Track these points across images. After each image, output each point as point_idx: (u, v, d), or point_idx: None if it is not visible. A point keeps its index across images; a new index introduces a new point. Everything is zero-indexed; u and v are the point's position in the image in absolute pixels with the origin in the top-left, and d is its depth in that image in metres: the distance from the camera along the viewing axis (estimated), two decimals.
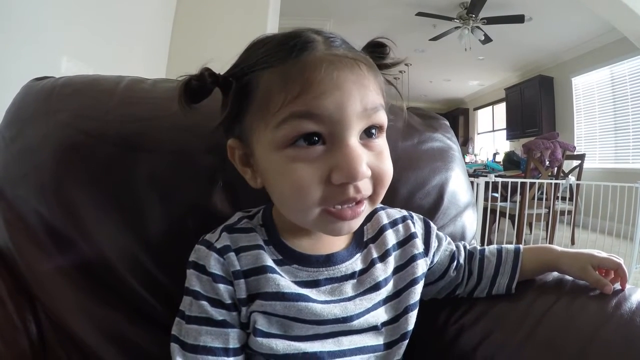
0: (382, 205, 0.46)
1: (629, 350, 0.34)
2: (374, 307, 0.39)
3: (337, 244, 0.41)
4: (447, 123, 0.67)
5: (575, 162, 3.23)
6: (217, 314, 0.36)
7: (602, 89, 4.10)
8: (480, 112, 7.06)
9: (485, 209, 2.13)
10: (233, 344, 0.36)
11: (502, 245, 0.49)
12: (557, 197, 2.64)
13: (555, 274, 0.47)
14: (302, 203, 0.33)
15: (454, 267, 0.47)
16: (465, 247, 0.50)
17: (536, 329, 0.40)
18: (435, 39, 4.11)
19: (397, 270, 0.42)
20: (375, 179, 0.34)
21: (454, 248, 0.48)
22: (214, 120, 0.38)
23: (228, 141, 0.39)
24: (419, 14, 3.57)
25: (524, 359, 0.39)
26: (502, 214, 2.74)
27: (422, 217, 0.48)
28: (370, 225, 0.44)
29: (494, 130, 6.58)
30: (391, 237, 0.43)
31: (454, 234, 0.58)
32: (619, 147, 3.93)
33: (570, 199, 2.92)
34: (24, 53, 0.88)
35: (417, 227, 0.46)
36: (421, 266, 0.43)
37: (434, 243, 0.46)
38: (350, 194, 0.33)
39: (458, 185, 0.61)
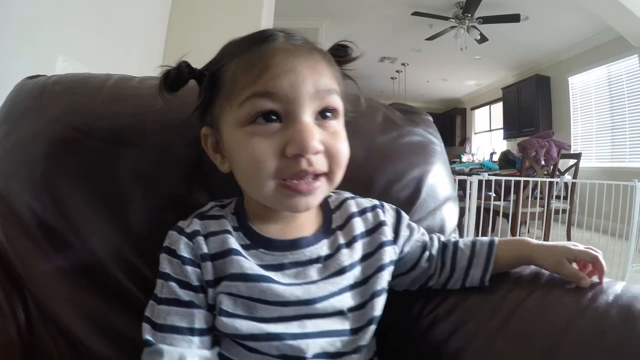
0: (352, 195, 0.48)
1: (600, 343, 0.33)
2: (340, 292, 0.40)
3: (304, 229, 0.42)
4: (430, 118, 0.67)
5: (572, 161, 3.23)
6: (185, 295, 0.37)
7: (599, 88, 4.10)
8: (477, 111, 7.04)
9: (478, 208, 2.14)
10: (199, 324, 0.37)
11: (477, 238, 0.48)
12: (552, 196, 2.64)
13: (533, 267, 0.46)
14: (259, 175, 0.36)
15: (425, 257, 0.47)
16: (439, 239, 0.50)
17: (508, 321, 0.40)
18: (431, 38, 4.12)
19: (365, 257, 0.43)
20: (330, 156, 0.37)
21: (427, 239, 0.49)
22: (194, 117, 0.41)
23: (202, 129, 0.43)
24: (415, 13, 3.57)
25: (495, 351, 0.39)
26: (497, 213, 2.75)
27: (394, 207, 0.49)
28: (339, 213, 0.45)
29: (491, 130, 6.57)
30: (359, 225, 0.44)
31: (432, 227, 0.57)
32: (615, 146, 3.93)
33: (566, 198, 2.93)
34: (22, 52, 0.89)
35: (388, 216, 0.46)
36: (389, 253, 0.43)
37: (404, 232, 0.46)
38: (303, 166, 0.35)
39: (438, 179, 0.60)
